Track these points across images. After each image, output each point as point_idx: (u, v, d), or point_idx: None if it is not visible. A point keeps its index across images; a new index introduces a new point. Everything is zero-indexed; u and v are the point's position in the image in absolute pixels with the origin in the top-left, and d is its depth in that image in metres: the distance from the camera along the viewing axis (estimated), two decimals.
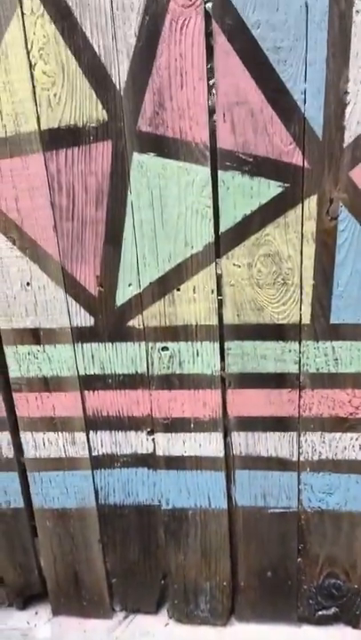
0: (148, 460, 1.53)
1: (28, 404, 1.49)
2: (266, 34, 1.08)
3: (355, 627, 1.63)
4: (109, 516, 1.61)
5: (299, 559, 1.58)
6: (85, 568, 1.67)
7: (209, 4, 1.09)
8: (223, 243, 1.27)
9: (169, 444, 1.49)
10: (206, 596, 1.65)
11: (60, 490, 1.58)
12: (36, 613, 1.76)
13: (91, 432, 1.51)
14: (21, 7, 1.12)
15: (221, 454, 1.49)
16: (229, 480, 1.52)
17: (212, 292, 1.32)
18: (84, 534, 1.63)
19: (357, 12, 1.05)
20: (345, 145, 1.15)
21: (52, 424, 1.50)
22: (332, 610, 1.63)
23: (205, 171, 1.21)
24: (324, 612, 1.63)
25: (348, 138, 1.14)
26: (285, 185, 1.20)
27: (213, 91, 1.15)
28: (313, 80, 1.10)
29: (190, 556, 1.62)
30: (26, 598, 1.76)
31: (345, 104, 1.12)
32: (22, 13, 1.12)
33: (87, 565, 1.67)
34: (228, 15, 1.08)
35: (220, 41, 1.10)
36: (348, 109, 1.12)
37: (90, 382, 1.45)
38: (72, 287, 1.35)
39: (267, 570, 1.60)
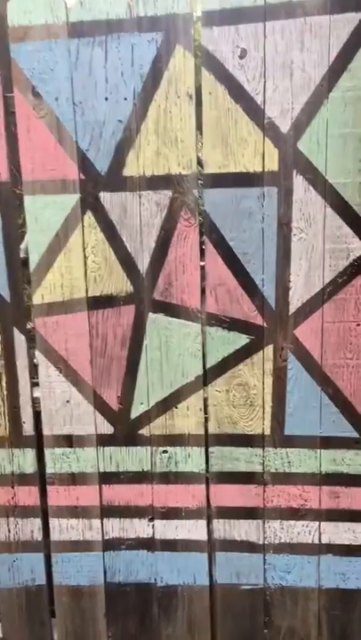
0: (147, 543, 1.96)
1: (58, 495, 1.94)
2: (238, 244, 1.72)
3: None
4: (114, 593, 2.00)
5: (265, 630, 1.96)
6: None
7: (202, 225, 1.74)
8: (209, 375, 1.82)
9: (165, 529, 1.94)
10: None
11: (76, 569, 1.99)
12: None
13: (104, 519, 1.95)
14: (82, 222, 1.76)
15: (205, 538, 1.93)
16: (211, 560, 1.95)
17: (201, 410, 1.85)
18: (93, 609, 2.01)
19: (294, 235, 1.70)
20: (290, 313, 1.75)
21: (75, 512, 1.95)
22: None
23: (198, 326, 1.80)
24: None
25: (292, 309, 1.75)
26: (251, 337, 1.78)
27: (204, 276, 1.77)
28: (268, 272, 1.73)
29: (178, 629, 1.99)
30: None
31: (289, 288, 1.74)
32: (83, 226, 1.76)
33: (94, 639, 2.02)
34: (214, 232, 1.72)
35: (209, 247, 1.74)
36: (290, 292, 1.74)
37: (107, 478, 1.92)
38: (99, 404, 1.88)
39: None
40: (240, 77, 1.63)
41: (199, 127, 1.68)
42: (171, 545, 1.95)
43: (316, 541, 1.90)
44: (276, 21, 1.58)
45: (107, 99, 1.67)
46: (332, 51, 1.59)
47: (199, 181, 1.73)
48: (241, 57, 1.61)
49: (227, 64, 1.62)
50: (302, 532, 1.90)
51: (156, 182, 1.71)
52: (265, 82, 1.62)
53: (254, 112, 1.64)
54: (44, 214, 1.76)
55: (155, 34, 1.62)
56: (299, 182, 1.67)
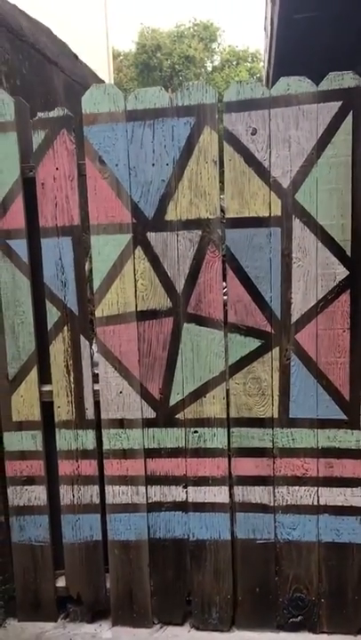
0: (182, 506, 2.48)
1: (112, 467, 2.48)
2: (251, 270, 2.28)
3: (314, 632, 2.45)
4: (155, 546, 2.51)
5: (276, 578, 2.46)
6: (138, 587, 2.52)
7: (224, 256, 2.31)
8: (230, 371, 2.37)
9: (196, 494, 2.46)
10: (216, 607, 2.49)
11: (125, 527, 2.51)
12: (100, 625, 2.57)
13: (148, 486, 2.48)
14: (134, 255, 2.33)
15: (228, 501, 2.45)
16: (232, 519, 2.46)
17: (223, 398, 2.39)
18: (139, 560, 2.52)
19: (294, 263, 2.26)
20: (291, 323, 2.30)
21: (125, 480, 2.48)
22: (299, 618, 2.45)
23: (221, 333, 2.35)
24: (293, 619, 2.46)
25: (293, 319, 2.30)
26: (262, 341, 2.33)
27: (225, 295, 2.33)
28: (275, 291, 2.28)
29: (206, 576, 2.49)
30: (94, 613, 2.58)
31: (290, 304, 2.29)
32: (134, 257, 2.33)
33: (139, 585, 2.52)
34: (233, 262, 2.29)
35: (230, 272, 2.30)
36: (292, 307, 2.29)
37: (150, 453, 2.46)
38: (145, 394, 2.42)
39: (255, 587, 2.47)
40: (252, 148, 2.21)
41: (222, 184, 2.26)
42: (200, 507, 2.46)
43: (316, 503, 2.40)
44: (278, 108, 2.18)
45: (153, 164, 2.27)
46: (319, 129, 2.17)
47: (222, 224, 2.30)
48: (252, 134, 2.20)
49: (242, 139, 2.21)
50: (304, 495, 2.40)
51: (189, 225, 2.29)
52: (270, 151, 2.21)
53: (262, 173, 2.22)
54: (105, 249, 2.34)
55: (189, 118, 2.22)
56: (297, 224, 2.24)
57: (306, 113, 2.17)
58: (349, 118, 2.15)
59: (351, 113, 2.15)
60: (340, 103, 2.16)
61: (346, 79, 2.15)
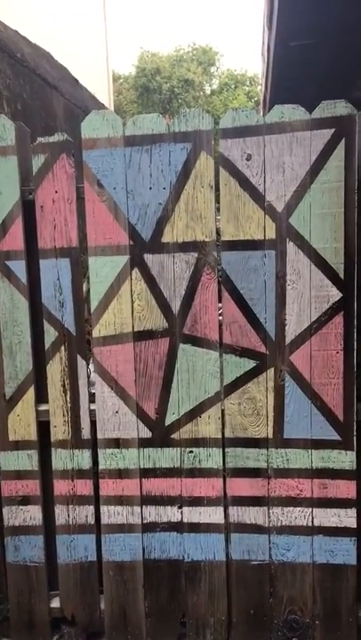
0: (177, 526, 2.48)
1: (108, 487, 2.49)
2: (246, 292, 2.32)
3: None
4: (150, 567, 2.51)
5: (270, 599, 2.46)
6: (132, 608, 2.52)
7: (220, 278, 2.34)
8: (225, 391, 2.39)
9: (191, 515, 2.47)
10: (211, 629, 2.48)
11: (120, 547, 2.51)
12: None
13: (143, 506, 2.48)
14: (131, 276, 2.37)
15: (222, 521, 2.46)
16: (227, 540, 2.46)
17: (219, 418, 2.41)
18: (133, 581, 2.51)
19: (288, 285, 2.30)
20: (286, 344, 2.33)
21: (120, 500, 2.49)
22: None
23: (216, 354, 2.38)
24: None
25: (287, 340, 2.33)
26: (257, 362, 2.36)
27: (221, 316, 2.36)
28: (269, 313, 2.32)
29: (201, 597, 2.49)
30: (88, 635, 2.57)
31: (285, 325, 2.32)
32: (131, 279, 2.37)
33: (133, 606, 2.52)
34: (229, 283, 2.33)
35: (225, 294, 2.34)
36: (286, 327, 2.32)
37: (145, 473, 2.47)
38: (141, 414, 2.44)
39: (250, 608, 2.46)
40: (247, 173, 2.27)
41: (217, 208, 2.31)
42: (195, 527, 2.47)
43: (310, 524, 2.41)
44: (273, 135, 2.23)
45: (150, 188, 2.32)
46: (312, 155, 2.23)
47: (217, 246, 2.34)
48: (247, 159, 2.25)
49: (237, 164, 2.26)
50: (299, 516, 2.41)
51: (185, 247, 2.34)
52: (265, 176, 2.26)
53: (257, 197, 2.27)
54: (102, 270, 2.38)
55: (186, 143, 2.28)
56: (291, 247, 2.28)
57: (299, 140, 2.23)
58: (342, 145, 2.21)
59: (343, 140, 2.21)
60: (332, 130, 2.21)
61: (338, 107, 2.21)
